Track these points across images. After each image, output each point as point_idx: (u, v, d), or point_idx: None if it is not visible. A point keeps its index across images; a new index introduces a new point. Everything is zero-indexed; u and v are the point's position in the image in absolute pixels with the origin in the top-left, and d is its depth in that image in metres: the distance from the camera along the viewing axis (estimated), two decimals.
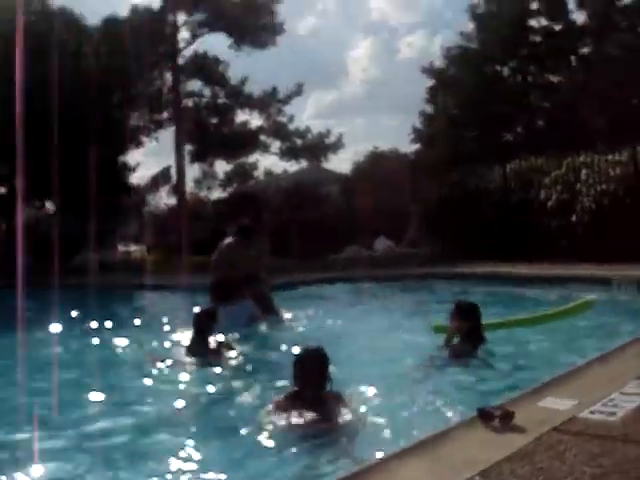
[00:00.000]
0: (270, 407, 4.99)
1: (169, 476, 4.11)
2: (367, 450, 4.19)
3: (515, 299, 11.26)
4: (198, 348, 7.32)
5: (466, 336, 6.70)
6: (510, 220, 17.24)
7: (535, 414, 4.03)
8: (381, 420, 4.92)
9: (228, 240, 10.29)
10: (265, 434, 4.65)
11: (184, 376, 6.79)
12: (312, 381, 4.97)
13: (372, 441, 4.52)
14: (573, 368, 5.24)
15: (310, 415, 4.73)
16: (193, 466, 4.24)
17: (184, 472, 4.14)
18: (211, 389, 6.05)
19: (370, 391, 5.56)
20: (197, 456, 4.41)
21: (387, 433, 4.68)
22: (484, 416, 3.89)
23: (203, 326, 7.50)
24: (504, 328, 7.58)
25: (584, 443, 3.52)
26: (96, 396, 5.81)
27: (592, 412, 4.01)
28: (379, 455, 3.64)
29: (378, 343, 7.81)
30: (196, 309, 7.99)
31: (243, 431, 4.82)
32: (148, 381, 6.54)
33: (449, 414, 4.84)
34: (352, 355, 7.26)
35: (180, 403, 5.64)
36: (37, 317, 10.43)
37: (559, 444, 3.51)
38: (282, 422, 4.74)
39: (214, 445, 4.73)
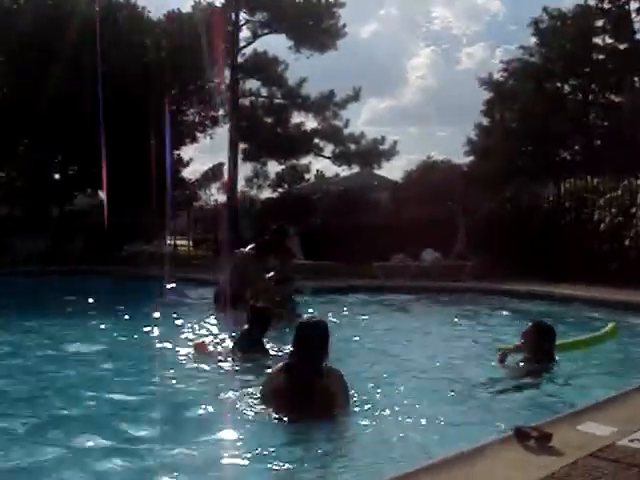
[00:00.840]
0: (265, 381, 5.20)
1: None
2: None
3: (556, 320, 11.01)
4: (248, 342, 7.18)
5: (537, 355, 6.79)
6: (560, 239, 16.96)
7: (573, 438, 3.97)
8: (417, 428, 4.92)
9: (245, 250, 10.35)
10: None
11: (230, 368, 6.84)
12: (304, 348, 5.02)
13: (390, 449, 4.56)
14: (615, 394, 5.16)
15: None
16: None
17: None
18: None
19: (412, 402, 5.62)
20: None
21: (416, 443, 4.68)
22: (520, 435, 3.84)
23: (258, 320, 7.34)
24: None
25: (621, 471, 3.47)
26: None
27: (631, 440, 3.94)
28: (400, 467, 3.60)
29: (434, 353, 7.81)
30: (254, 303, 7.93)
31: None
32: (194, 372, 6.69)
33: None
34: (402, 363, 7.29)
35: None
36: (95, 303, 10.71)
37: (595, 470, 3.46)
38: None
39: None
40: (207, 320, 9.69)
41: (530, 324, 7.04)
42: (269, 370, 5.67)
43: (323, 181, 35.33)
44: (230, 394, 5.69)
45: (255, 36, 32.18)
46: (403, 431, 4.87)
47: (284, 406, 4.85)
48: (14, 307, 11.13)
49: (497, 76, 32.59)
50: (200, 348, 7.49)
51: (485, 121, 33.07)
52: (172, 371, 6.70)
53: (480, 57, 62.64)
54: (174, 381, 6.29)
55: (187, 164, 29.51)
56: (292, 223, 21.49)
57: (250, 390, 5.52)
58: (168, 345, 7.97)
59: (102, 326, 9.49)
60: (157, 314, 9.96)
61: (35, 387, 6.21)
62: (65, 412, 5.36)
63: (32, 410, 5.38)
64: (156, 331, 8.90)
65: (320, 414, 4.79)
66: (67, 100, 21.14)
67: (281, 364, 5.18)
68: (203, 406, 5.49)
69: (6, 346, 8.21)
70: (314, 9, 30.57)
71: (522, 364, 6.81)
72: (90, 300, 12.06)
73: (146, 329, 9.01)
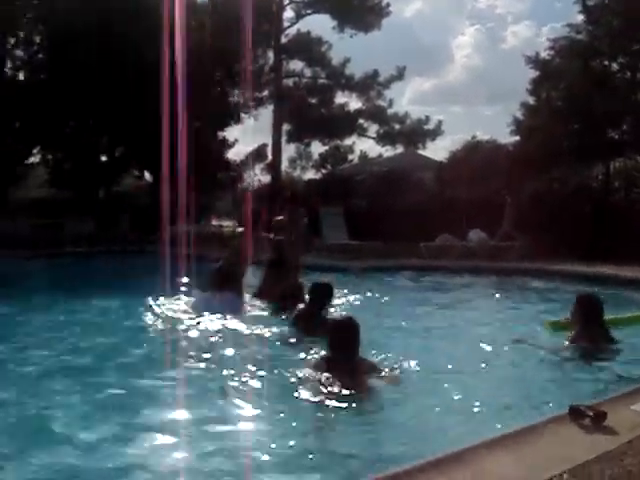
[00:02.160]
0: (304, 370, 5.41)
1: None
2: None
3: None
4: (313, 323, 6.89)
5: (587, 330, 6.52)
6: (610, 219, 16.71)
7: (628, 417, 3.96)
8: (467, 403, 4.94)
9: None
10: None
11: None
12: (344, 349, 5.31)
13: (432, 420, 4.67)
14: None
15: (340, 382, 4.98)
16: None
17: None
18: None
19: (463, 377, 5.69)
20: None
21: (469, 418, 4.69)
22: (575, 414, 3.83)
23: (319, 298, 7.20)
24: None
25: None
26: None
27: None
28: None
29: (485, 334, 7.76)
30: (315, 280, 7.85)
31: None
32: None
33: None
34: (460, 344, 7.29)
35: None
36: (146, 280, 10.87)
37: None
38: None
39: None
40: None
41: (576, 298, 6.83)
42: (309, 358, 5.91)
43: (367, 162, 35.17)
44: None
45: (299, 16, 32.14)
46: (456, 408, 4.92)
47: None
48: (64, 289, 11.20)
49: (544, 54, 32.00)
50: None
51: (531, 100, 32.51)
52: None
53: (525, 35, 61.47)
54: None
55: (232, 145, 29.60)
56: (336, 203, 21.56)
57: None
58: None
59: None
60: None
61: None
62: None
63: (97, 385, 5.47)
64: None
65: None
66: (112, 84, 21.34)
67: (320, 357, 5.53)
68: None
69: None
70: None
71: (568, 342, 6.58)
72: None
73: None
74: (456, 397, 5.11)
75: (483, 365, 6.16)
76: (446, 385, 5.42)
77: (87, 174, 24.71)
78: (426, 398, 5.15)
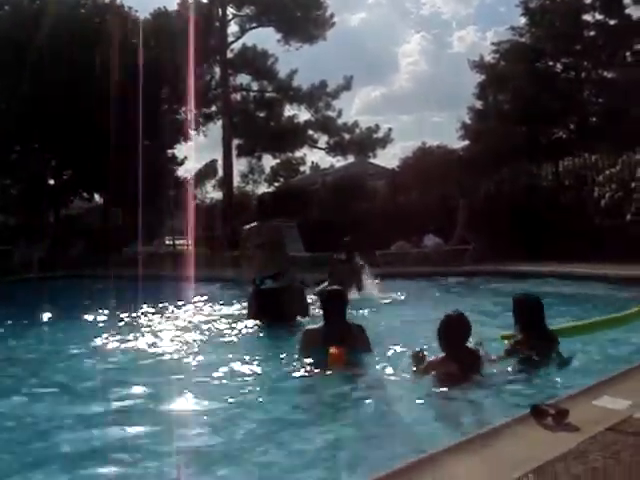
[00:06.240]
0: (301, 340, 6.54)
1: None
2: None
3: (565, 299, 10.84)
4: (328, 335, 6.31)
5: (528, 334, 5.89)
6: (561, 218, 16.89)
7: (590, 413, 3.92)
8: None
9: None
10: None
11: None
12: (335, 316, 6.35)
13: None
14: (629, 368, 5.09)
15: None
16: None
17: None
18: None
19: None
20: None
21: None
22: (537, 413, 3.78)
23: (333, 308, 6.48)
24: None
25: None
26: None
27: None
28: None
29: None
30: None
31: None
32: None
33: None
34: None
35: None
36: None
37: (614, 444, 3.41)
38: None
39: None
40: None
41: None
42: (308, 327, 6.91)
43: (319, 172, 35.23)
44: None
45: (243, 30, 32.15)
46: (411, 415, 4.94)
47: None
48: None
49: (488, 58, 32.50)
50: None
51: (478, 104, 32.96)
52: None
53: (471, 40, 62.54)
54: None
55: (182, 163, 29.42)
56: (290, 216, 21.45)
57: None
58: None
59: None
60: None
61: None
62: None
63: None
64: None
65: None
66: (58, 105, 21.05)
67: (318, 326, 6.55)
68: None
69: None
70: (301, 0, 30.46)
71: (505, 350, 5.95)
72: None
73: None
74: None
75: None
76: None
77: (35, 199, 24.32)
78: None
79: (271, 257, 9.31)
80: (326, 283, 9.96)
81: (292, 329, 8.20)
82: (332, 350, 5.93)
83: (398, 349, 6.52)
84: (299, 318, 8.88)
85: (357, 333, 6.35)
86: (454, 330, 5.52)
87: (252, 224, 9.74)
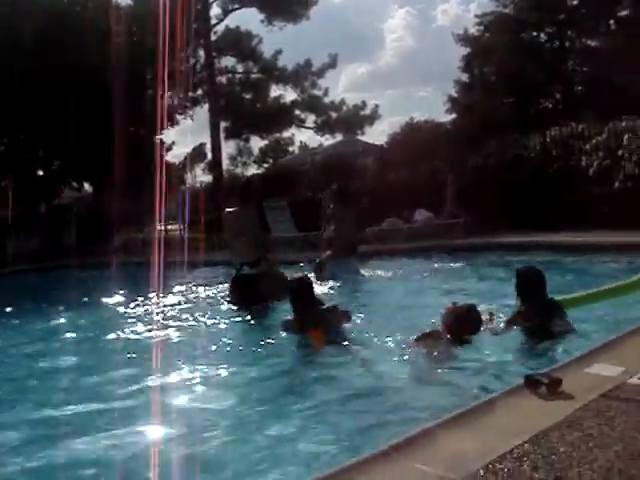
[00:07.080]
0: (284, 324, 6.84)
1: None
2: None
3: (562, 269, 10.82)
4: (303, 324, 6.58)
5: (531, 304, 6.03)
6: (550, 188, 16.94)
7: (583, 381, 3.97)
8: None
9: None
10: None
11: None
12: (305, 302, 6.63)
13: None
14: (621, 334, 5.13)
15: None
16: None
17: None
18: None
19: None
20: None
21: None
22: (531, 383, 3.83)
23: (301, 297, 6.73)
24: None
25: (634, 409, 3.46)
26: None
27: None
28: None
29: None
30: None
31: None
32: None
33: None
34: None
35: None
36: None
37: (608, 410, 3.46)
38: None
39: None
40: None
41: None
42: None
43: (308, 152, 35.15)
44: None
45: (226, 12, 31.88)
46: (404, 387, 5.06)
47: None
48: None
49: (473, 31, 32.35)
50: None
51: (464, 77, 32.86)
52: None
53: (455, 13, 62.22)
54: None
55: (170, 148, 29.29)
56: (281, 196, 21.45)
57: None
58: None
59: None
60: None
61: None
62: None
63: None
64: None
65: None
66: (42, 94, 20.87)
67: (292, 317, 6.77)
68: None
69: None
70: None
71: (504, 323, 6.15)
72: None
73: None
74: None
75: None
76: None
77: (26, 190, 24.19)
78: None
79: (250, 243, 9.29)
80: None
81: (268, 312, 8.40)
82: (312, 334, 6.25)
83: (398, 322, 6.82)
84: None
85: (330, 316, 6.53)
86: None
87: (231, 209, 9.70)
